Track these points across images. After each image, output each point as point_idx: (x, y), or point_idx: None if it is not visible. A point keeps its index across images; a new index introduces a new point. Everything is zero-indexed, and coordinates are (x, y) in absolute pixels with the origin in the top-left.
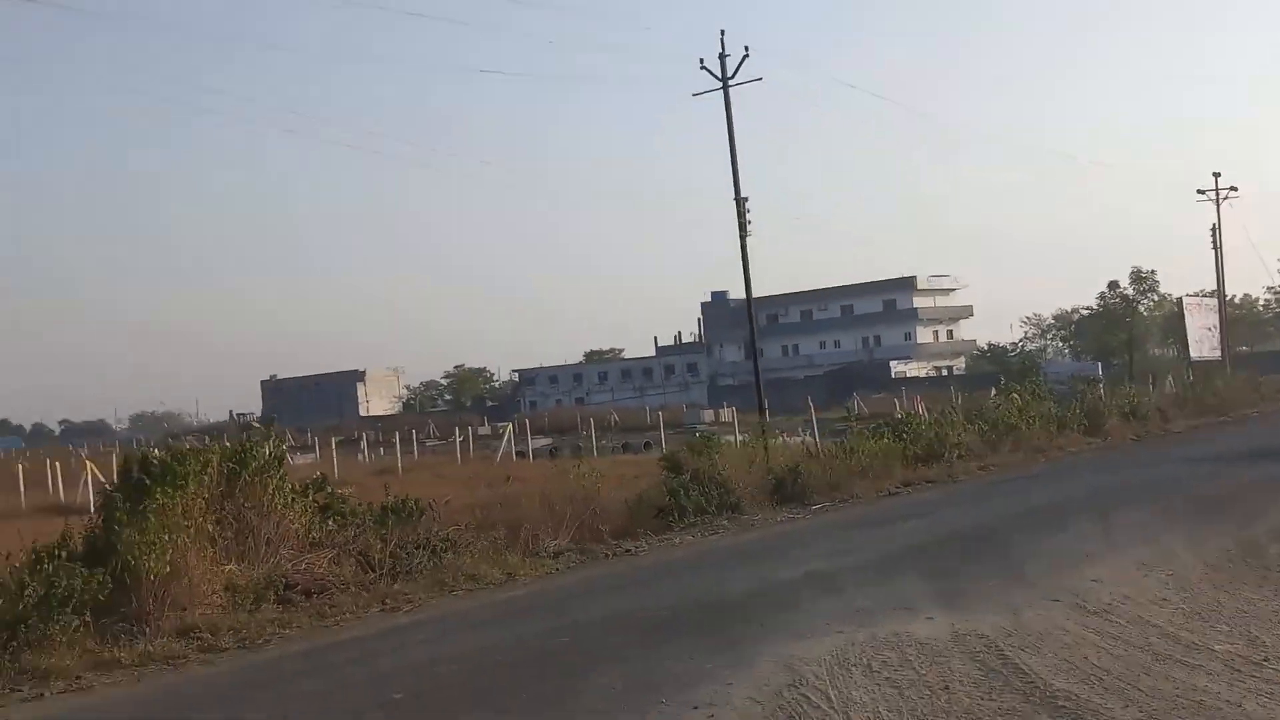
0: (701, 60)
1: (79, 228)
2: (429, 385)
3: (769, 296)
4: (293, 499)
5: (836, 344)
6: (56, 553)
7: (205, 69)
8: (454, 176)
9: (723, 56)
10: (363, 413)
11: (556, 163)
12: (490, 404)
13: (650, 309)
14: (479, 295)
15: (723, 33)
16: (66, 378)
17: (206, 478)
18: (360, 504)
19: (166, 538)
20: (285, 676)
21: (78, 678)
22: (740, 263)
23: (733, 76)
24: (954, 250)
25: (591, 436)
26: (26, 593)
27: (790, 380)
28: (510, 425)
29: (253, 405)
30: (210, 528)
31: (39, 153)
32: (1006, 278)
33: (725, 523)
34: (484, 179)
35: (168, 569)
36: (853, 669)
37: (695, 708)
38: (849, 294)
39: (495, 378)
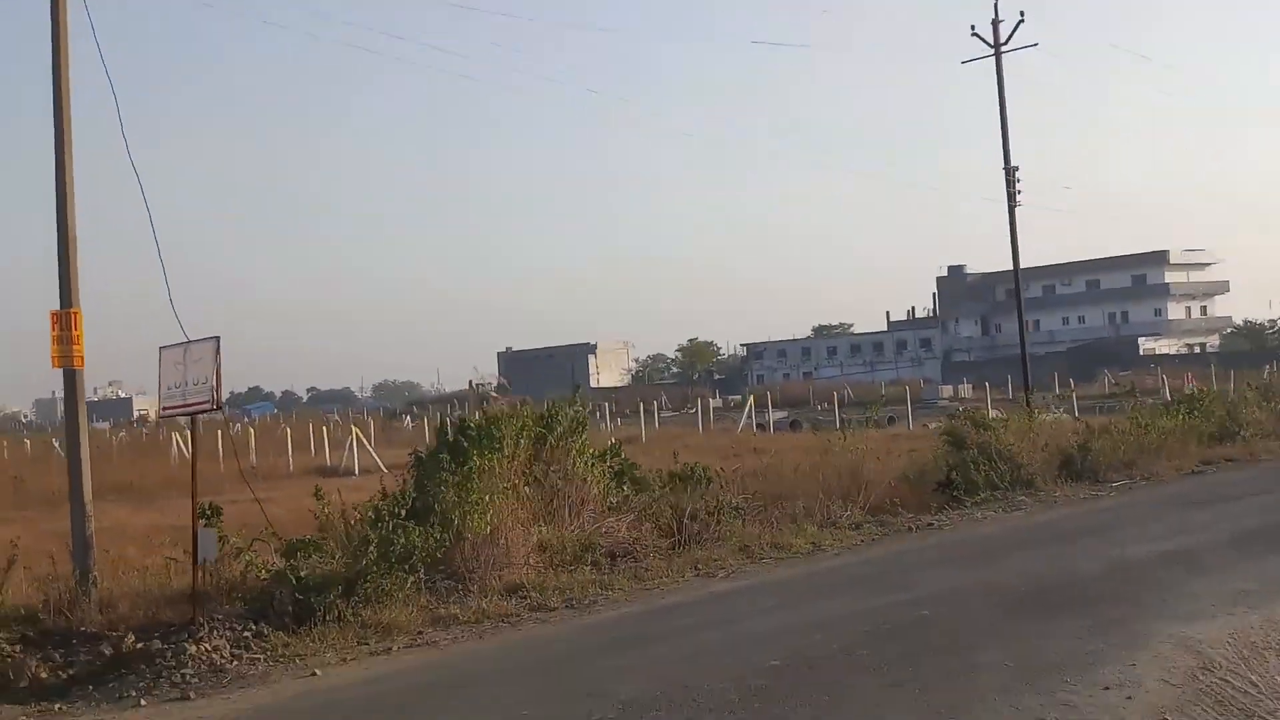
0: (973, 26)
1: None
2: (656, 358)
3: (1007, 271)
4: (592, 464)
5: (1081, 320)
6: (396, 510)
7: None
8: (689, 145)
9: (996, 22)
10: (593, 384)
11: (791, 132)
12: (718, 377)
13: (882, 283)
14: (705, 269)
15: None
16: (312, 347)
17: (523, 440)
18: (649, 470)
19: (487, 499)
20: (639, 639)
21: (419, 633)
22: (1008, 234)
23: (1006, 42)
24: (1215, 223)
25: (835, 410)
26: (370, 549)
27: (1031, 356)
28: (751, 398)
29: (489, 375)
30: (525, 490)
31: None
32: (1272, 250)
33: (1024, 499)
34: (721, 151)
35: (488, 529)
36: (1265, 654)
37: (1106, 689)
38: (1096, 269)
39: (722, 351)
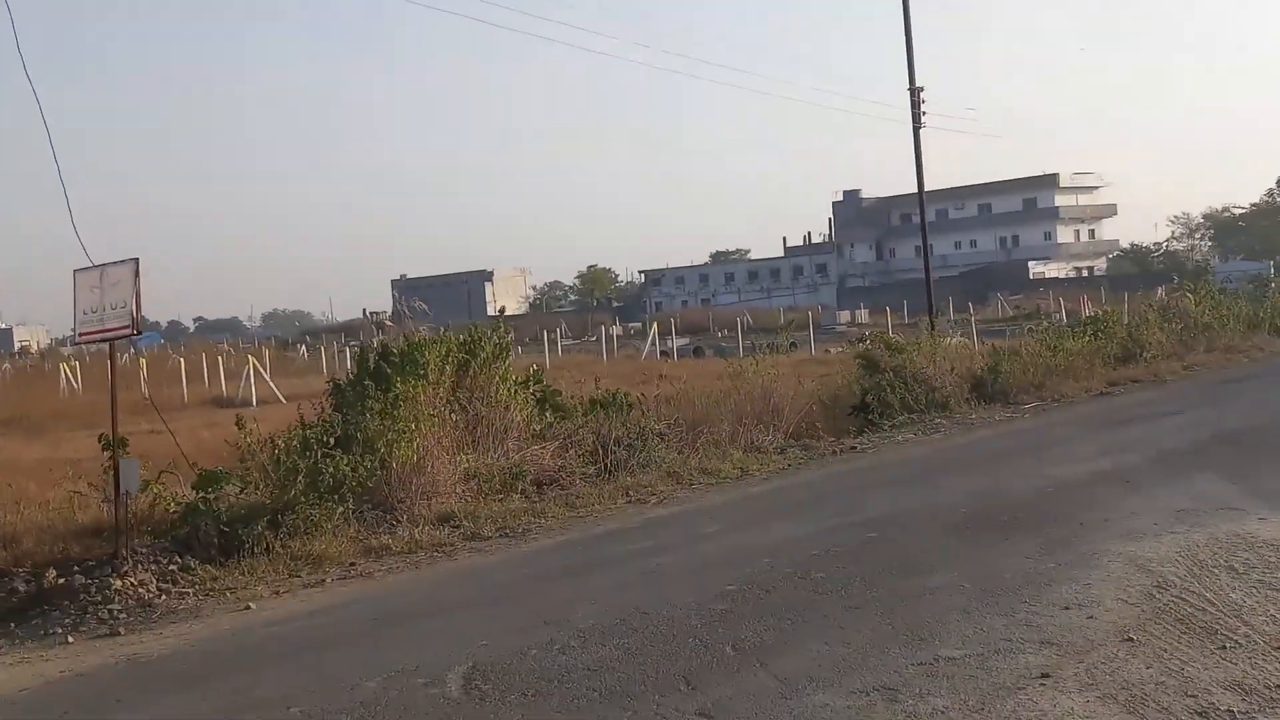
0: None
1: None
2: (554, 285)
3: (902, 196)
4: (515, 390)
5: (973, 244)
6: (324, 439)
7: None
8: (586, 63)
9: None
10: (491, 312)
11: (685, 49)
12: (616, 304)
13: (780, 209)
14: (602, 195)
15: None
16: (200, 275)
17: (448, 367)
18: (568, 397)
19: (414, 427)
20: (583, 566)
21: (351, 564)
22: (912, 157)
23: None
24: (1104, 145)
25: (738, 337)
26: (299, 478)
27: (923, 281)
28: (655, 325)
29: (383, 304)
30: (453, 417)
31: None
32: (1157, 174)
33: (940, 421)
34: (618, 70)
35: (415, 458)
36: (1215, 571)
37: (1066, 609)
38: (987, 192)
39: (620, 278)
